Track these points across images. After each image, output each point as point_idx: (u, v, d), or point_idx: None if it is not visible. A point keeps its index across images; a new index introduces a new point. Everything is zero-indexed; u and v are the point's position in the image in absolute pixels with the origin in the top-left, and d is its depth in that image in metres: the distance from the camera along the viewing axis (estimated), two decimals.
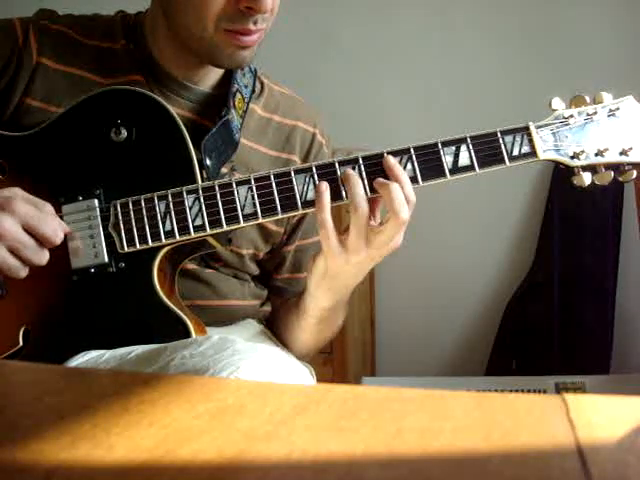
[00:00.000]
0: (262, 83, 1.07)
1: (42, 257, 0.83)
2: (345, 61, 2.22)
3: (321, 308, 0.96)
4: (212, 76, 1.00)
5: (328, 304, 0.95)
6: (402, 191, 0.84)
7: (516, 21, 2.12)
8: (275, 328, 1.10)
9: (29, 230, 0.81)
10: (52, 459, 0.36)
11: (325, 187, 0.85)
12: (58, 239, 0.84)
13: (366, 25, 2.21)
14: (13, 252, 0.81)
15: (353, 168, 0.87)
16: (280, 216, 0.87)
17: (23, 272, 0.83)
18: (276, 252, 1.08)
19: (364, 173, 0.87)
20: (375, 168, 0.87)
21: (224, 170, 0.97)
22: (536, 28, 2.11)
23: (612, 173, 0.88)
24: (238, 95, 0.99)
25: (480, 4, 2.14)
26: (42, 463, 0.35)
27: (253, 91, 1.03)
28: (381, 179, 0.85)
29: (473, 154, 0.87)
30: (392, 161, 0.86)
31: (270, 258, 1.08)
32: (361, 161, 0.87)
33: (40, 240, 0.82)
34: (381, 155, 0.87)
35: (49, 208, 0.84)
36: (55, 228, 0.83)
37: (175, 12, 0.92)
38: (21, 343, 0.87)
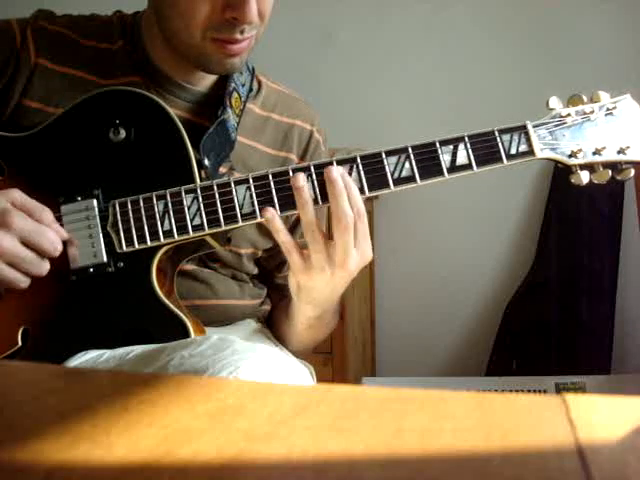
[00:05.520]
0: (260, 82, 1.07)
1: (42, 268, 0.85)
2: (345, 61, 2.22)
3: (307, 317, 0.95)
4: (209, 77, 1.00)
5: (313, 314, 0.94)
6: (346, 201, 0.82)
7: (516, 22, 2.12)
8: (272, 325, 1.10)
9: (28, 244, 0.82)
10: (52, 459, 0.36)
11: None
12: (57, 251, 0.85)
13: (366, 25, 2.21)
14: (13, 266, 0.82)
15: (351, 168, 0.86)
16: (279, 215, 0.87)
17: (24, 284, 0.84)
18: (277, 251, 1.08)
19: (362, 173, 0.86)
20: (373, 167, 0.87)
21: (222, 170, 0.97)
22: (535, 28, 2.11)
23: (610, 171, 0.88)
24: (235, 94, 0.99)
25: (479, 4, 2.14)
26: (42, 463, 0.35)
27: (250, 89, 1.03)
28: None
29: (471, 153, 0.87)
30: (334, 175, 0.83)
31: (271, 257, 1.08)
32: (359, 160, 0.87)
33: (39, 252, 0.83)
34: (379, 155, 0.87)
35: (46, 215, 0.84)
36: (52, 240, 0.84)
37: (164, 18, 0.92)
38: (20, 343, 0.87)
